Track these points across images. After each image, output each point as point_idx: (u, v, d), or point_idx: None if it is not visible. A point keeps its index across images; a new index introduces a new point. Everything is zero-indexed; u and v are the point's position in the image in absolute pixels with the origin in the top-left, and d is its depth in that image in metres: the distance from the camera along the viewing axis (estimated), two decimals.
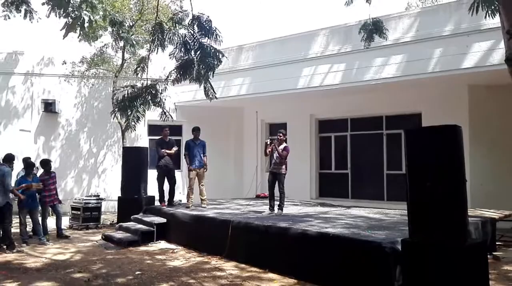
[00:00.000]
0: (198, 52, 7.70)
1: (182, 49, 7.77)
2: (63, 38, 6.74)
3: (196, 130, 9.23)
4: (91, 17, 6.61)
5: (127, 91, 8.31)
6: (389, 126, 11.54)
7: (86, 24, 6.45)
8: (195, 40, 7.75)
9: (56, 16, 6.70)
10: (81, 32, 6.97)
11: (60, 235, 8.70)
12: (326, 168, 12.86)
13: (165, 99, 8.69)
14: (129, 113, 7.92)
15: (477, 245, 4.37)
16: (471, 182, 8.40)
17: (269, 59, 11.86)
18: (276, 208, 7.99)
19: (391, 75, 9.81)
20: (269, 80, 11.67)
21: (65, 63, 12.87)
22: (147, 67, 8.59)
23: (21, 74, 13.35)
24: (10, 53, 13.39)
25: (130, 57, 12.89)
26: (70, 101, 13.52)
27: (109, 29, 12.13)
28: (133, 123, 8.01)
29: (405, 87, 10.45)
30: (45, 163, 8.95)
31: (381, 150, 11.64)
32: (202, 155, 9.09)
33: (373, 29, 8.53)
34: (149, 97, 8.07)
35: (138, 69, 8.70)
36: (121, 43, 12.06)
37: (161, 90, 8.55)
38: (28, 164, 8.40)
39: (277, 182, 8.00)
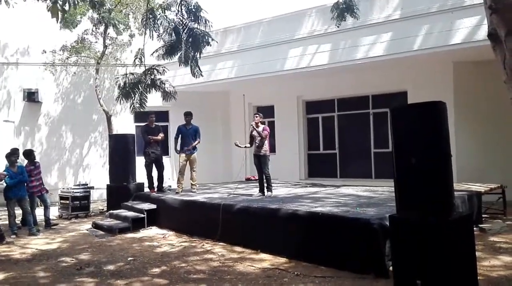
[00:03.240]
0: (190, 38, 7.97)
1: (173, 34, 7.97)
2: (52, 17, 6.57)
3: (188, 115, 9.03)
4: None
5: (127, 77, 8.60)
6: (375, 106, 11.61)
7: (70, 1, 6.30)
8: (185, 26, 7.90)
9: None
10: (62, 14, 6.79)
11: (48, 224, 8.61)
12: (314, 148, 12.93)
13: (164, 83, 8.97)
14: (133, 98, 8.29)
15: (463, 218, 4.44)
16: (457, 157, 8.57)
17: (255, 41, 11.76)
18: (265, 190, 8.03)
19: (378, 54, 9.77)
20: (255, 62, 11.57)
21: (45, 52, 12.57)
22: (144, 57, 8.84)
23: (0, 63, 13.01)
24: None
25: (111, 43, 12.64)
26: (52, 90, 13.26)
27: (88, 14, 11.86)
28: (137, 105, 8.38)
29: (391, 66, 10.47)
30: (28, 153, 8.76)
31: (368, 129, 11.72)
32: (194, 141, 8.95)
33: (344, 8, 8.48)
34: (149, 82, 8.48)
35: (136, 60, 8.86)
36: (101, 29, 11.82)
37: (160, 73, 8.93)
38: (10, 152, 8.13)
39: (261, 164, 8.01)
